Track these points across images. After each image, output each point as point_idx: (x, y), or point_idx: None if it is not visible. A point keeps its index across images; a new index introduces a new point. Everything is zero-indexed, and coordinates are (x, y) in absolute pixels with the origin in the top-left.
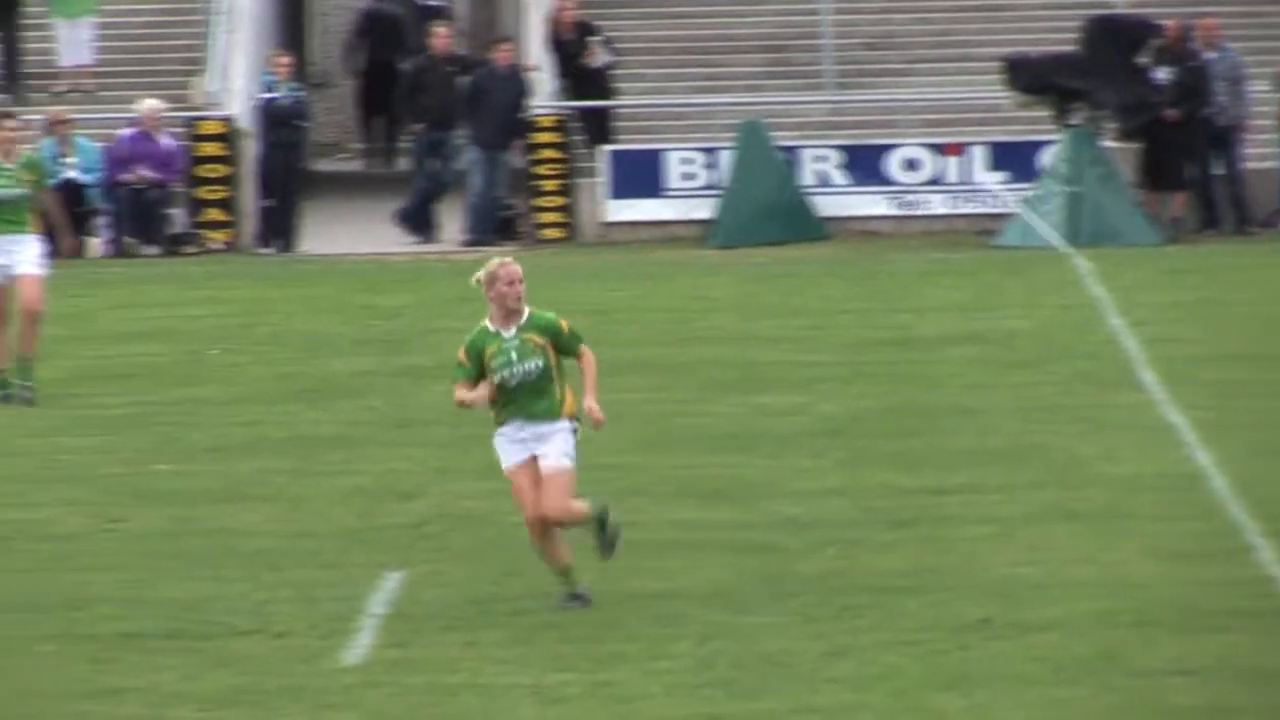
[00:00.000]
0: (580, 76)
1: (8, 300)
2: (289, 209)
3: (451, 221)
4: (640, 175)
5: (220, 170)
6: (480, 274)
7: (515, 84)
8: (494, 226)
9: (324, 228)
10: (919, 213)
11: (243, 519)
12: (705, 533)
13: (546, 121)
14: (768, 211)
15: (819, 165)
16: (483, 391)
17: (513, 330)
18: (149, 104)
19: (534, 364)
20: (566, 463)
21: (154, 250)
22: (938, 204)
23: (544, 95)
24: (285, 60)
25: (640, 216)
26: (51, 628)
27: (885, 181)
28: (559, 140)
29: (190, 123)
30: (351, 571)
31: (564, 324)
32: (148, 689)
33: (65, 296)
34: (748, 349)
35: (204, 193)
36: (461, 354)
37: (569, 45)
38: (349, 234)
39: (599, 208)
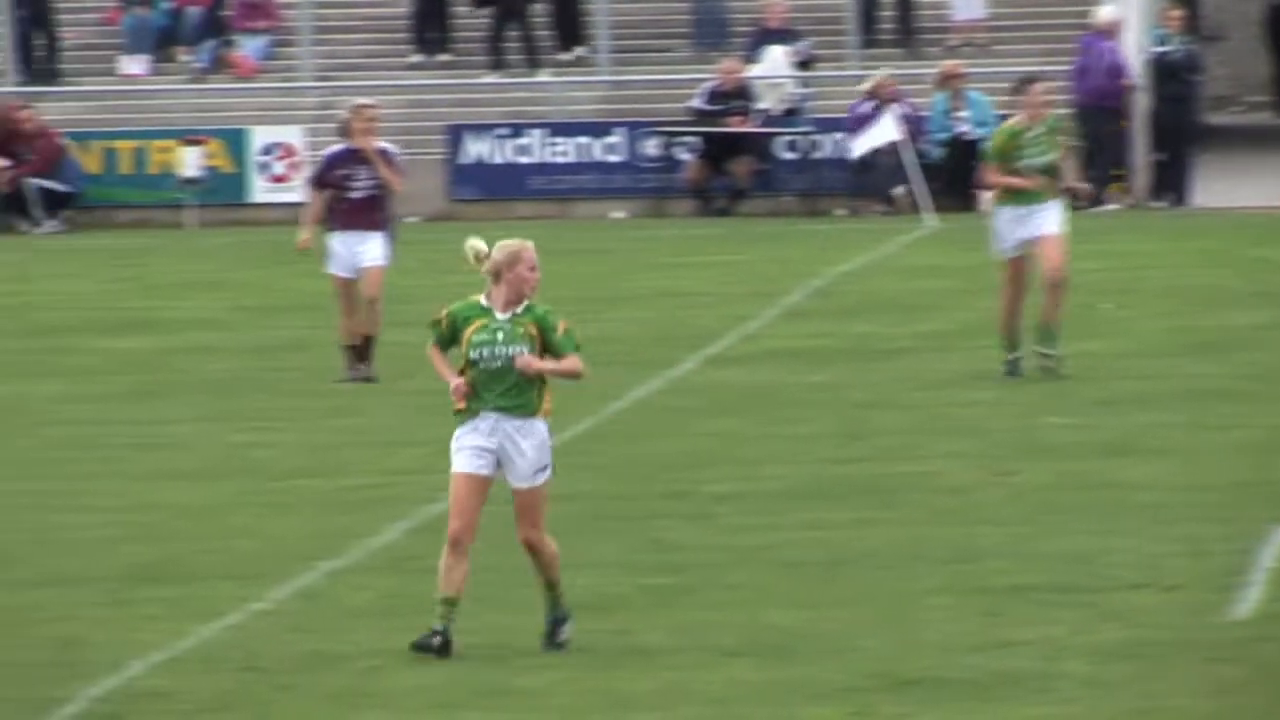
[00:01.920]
0: None
1: (1027, 269)
2: (1181, 162)
3: None
4: None
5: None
6: (490, 250)
7: None
8: None
9: (1218, 181)
10: None
11: (1134, 472)
12: None
13: None
14: None
15: None
16: (458, 382)
17: (508, 314)
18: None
19: (519, 350)
20: (539, 483)
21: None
22: None
23: None
24: (1177, 14)
25: None
26: (941, 580)
27: None
28: None
29: None
30: (1243, 525)
31: (561, 323)
32: (1038, 642)
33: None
34: None
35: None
36: (442, 315)
37: None
38: (1245, 187)
39: None
